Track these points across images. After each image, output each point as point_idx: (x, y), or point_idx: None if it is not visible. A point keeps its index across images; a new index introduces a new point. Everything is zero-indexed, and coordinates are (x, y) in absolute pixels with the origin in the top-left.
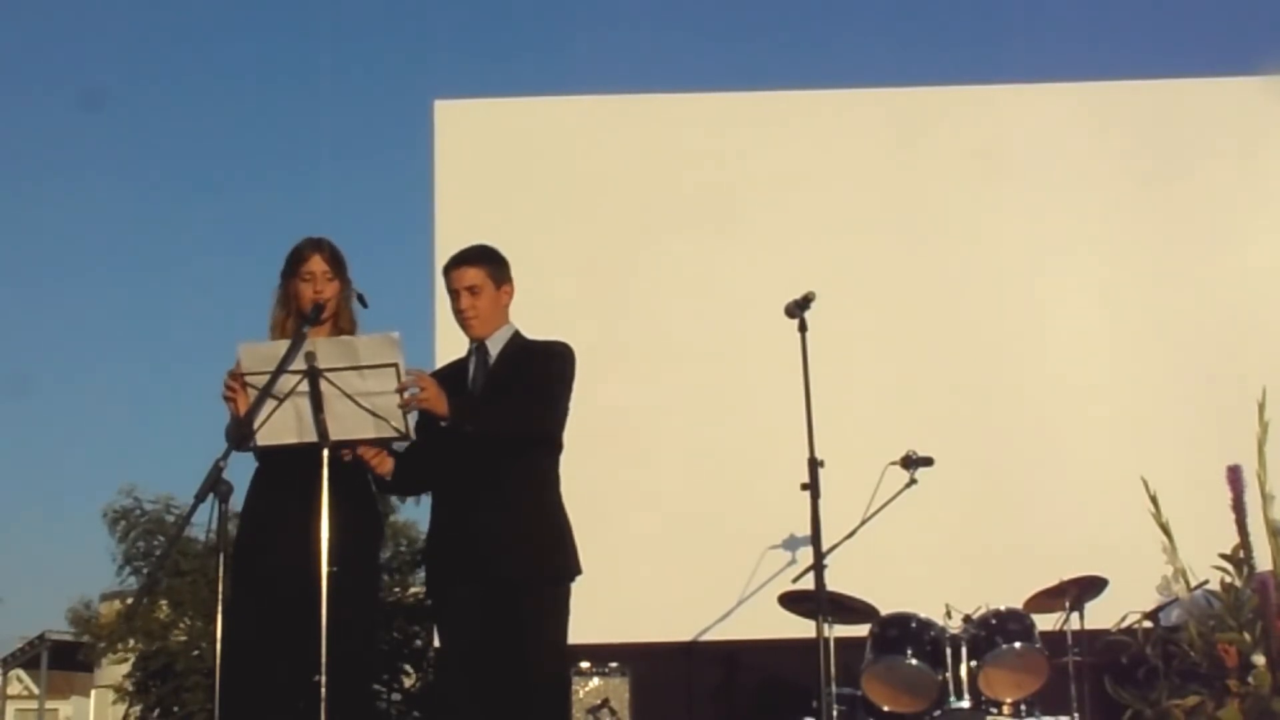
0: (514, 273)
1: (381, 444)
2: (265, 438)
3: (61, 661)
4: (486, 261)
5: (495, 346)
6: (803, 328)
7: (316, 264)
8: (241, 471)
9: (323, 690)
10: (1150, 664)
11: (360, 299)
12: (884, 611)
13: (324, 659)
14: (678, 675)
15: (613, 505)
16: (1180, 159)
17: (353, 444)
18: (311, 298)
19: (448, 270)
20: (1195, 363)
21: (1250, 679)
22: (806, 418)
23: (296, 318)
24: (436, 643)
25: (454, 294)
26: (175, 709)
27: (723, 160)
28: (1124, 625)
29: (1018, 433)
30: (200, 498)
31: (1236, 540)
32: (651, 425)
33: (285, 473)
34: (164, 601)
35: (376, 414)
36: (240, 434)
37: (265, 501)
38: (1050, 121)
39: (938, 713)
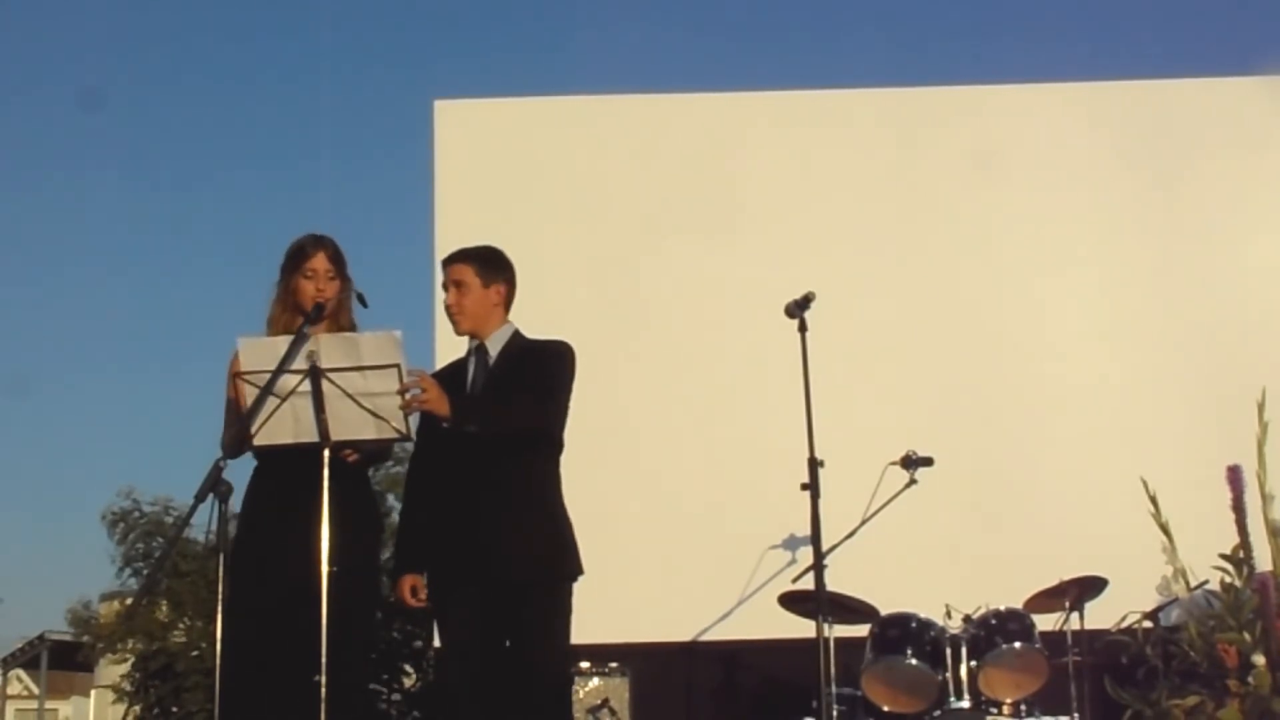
0: (512, 275)
1: (382, 445)
2: (263, 438)
3: (61, 661)
4: (476, 260)
5: (495, 346)
6: (803, 328)
7: (320, 261)
8: (241, 472)
9: (323, 690)
10: (1150, 664)
11: (360, 299)
12: (884, 611)
13: (324, 659)
14: (678, 675)
15: (613, 505)
16: (1180, 159)
17: (353, 444)
18: (313, 295)
19: (443, 266)
20: (1195, 363)
21: (1250, 679)
22: (806, 418)
23: (295, 314)
24: (436, 643)
25: (444, 288)
26: (175, 709)
27: (722, 160)
28: (1124, 625)
29: (1017, 433)
30: (200, 498)
31: (1236, 540)
32: (651, 425)
33: (284, 472)
34: (163, 602)
35: (378, 415)
36: (240, 434)
37: (264, 501)
38: (1050, 121)
39: (938, 713)
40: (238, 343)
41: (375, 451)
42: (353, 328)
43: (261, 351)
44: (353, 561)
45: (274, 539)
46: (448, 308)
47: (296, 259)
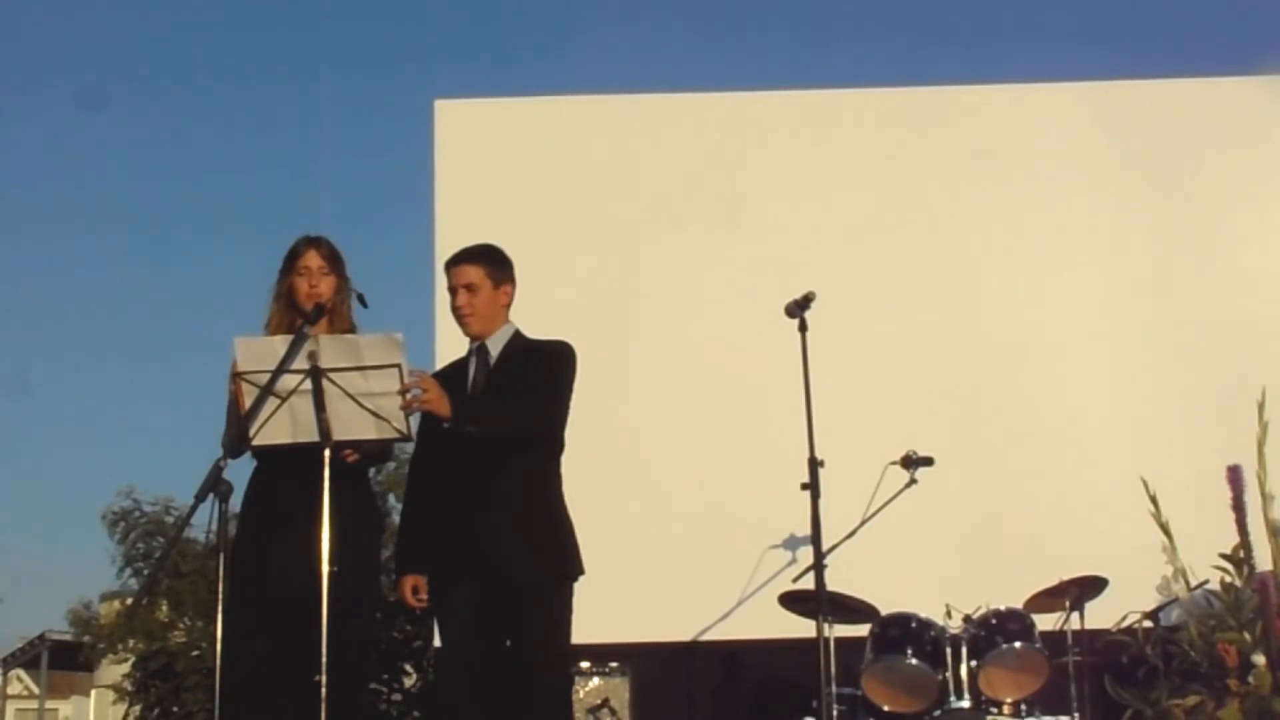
0: (514, 273)
1: (383, 445)
2: (262, 438)
3: (61, 661)
4: (485, 260)
5: (496, 346)
6: (803, 328)
7: (312, 258)
8: (241, 472)
9: (323, 690)
10: (1150, 664)
11: (360, 299)
12: (884, 611)
13: (324, 659)
14: (678, 675)
15: (613, 505)
16: (1180, 159)
17: (354, 445)
18: (307, 292)
19: (448, 267)
20: (1195, 363)
21: (1250, 679)
22: (806, 418)
23: (291, 313)
24: (437, 643)
25: (452, 291)
26: (175, 709)
27: (723, 160)
28: (1124, 625)
29: (1018, 433)
30: (200, 498)
31: (1236, 540)
32: (651, 425)
33: (284, 472)
34: (164, 602)
35: (379, 415)
36: (240, 434)
37: (264, 501)
38: (1050, 121)
39: (938, 713)
40: (233, 344)
41: (376, 452)
42: (351, 328)
43: (257, 351)
44: (353, 562)
45: (273, 539)
46: (458, 310)
47: (291, 258)
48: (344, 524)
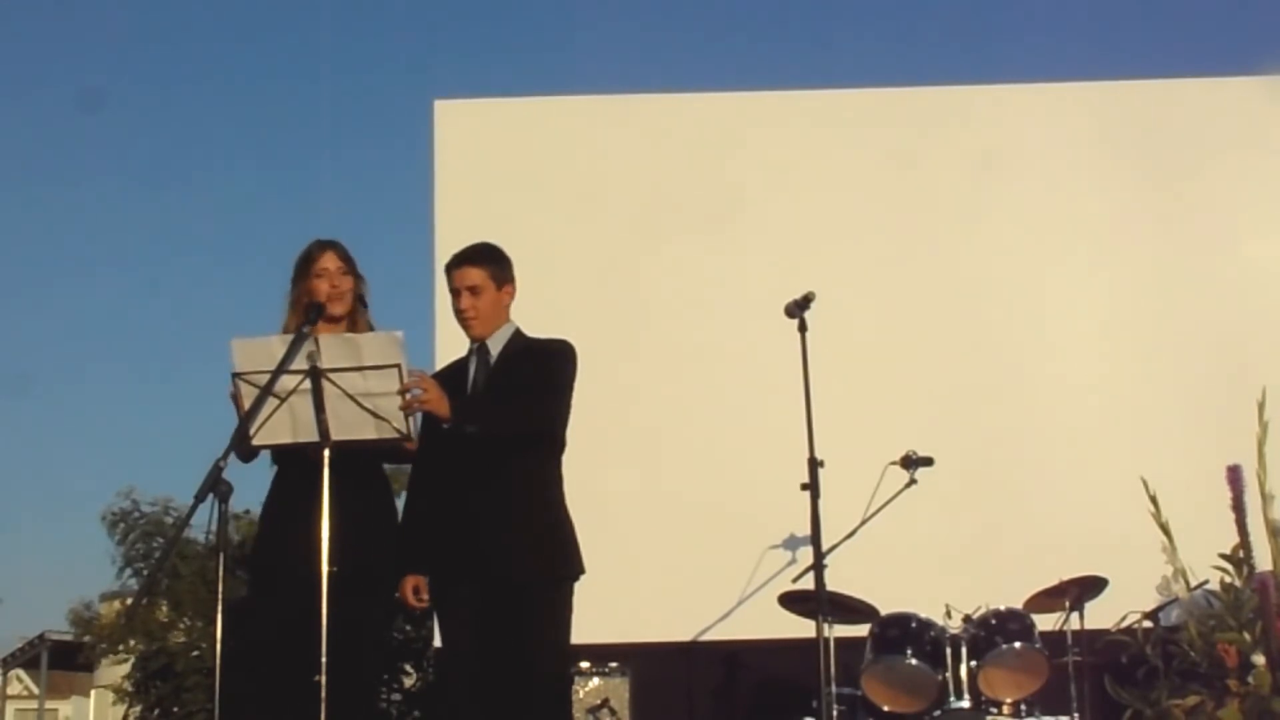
0: (514, 272)
1: (383, 445)
2: (262, 438)
3: (61, 661)
4: (488, 261)
5: (496, 346)
6: (803, 328)
7: (330, 260)
8: (240, 472)
9: (323, 690)
10: (1150, 664)
11: (360, 299)
12: (884, 611)
13: (324, 659)
14: (678, 675)
15: (613, 505)
16: (1180, 159)
17: (353, 445)
18: (328, 292)
19: (449, 269)
20: (1195, 363)
21: (1250, 679)
22: (806, 418)
23: (310, 312)
24: (437, 642)
25: (455, 293)
26: (175, 709)
27: (723, 160)
28: (1124, 625)
29: (1018, 433)
30: (200, 498)
31: (1236, 540)
32: (651, 425)
33: (303, 473)
34: (163, 602)
35: (378, 415)
36: (241, 434)
37: (283, 501)
38: (1050, 121)
39: (938, 713)
40: (231, 346)
41: (387, 451)
42: (369, 329)
43: (255, 352)
44: (368, 560)
45: (292, 539)
46: (461, 313)
47: (306, 263)
48: (359, 523)
